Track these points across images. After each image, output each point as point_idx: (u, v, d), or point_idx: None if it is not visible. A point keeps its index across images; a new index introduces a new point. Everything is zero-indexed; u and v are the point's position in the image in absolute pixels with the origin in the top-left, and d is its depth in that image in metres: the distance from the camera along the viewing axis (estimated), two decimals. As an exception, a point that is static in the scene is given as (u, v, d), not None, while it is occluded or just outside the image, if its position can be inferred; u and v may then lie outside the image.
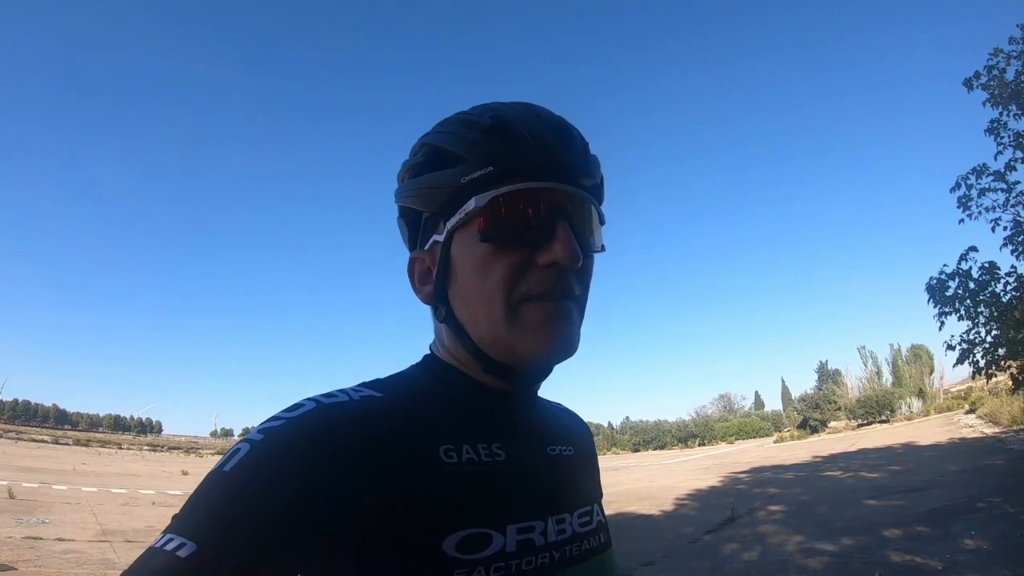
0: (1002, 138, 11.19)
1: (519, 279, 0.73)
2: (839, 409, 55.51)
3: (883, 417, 48.04)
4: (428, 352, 0.87)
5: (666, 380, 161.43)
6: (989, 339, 10.66)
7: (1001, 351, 10.50)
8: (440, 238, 0.79)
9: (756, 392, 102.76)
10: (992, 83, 11.08)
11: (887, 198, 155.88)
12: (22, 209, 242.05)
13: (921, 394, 49.69)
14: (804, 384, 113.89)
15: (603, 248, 0.83)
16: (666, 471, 29.58)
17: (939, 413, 41.16)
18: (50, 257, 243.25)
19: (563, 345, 0.75)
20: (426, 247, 0.82)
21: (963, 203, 11.26)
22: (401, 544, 0.65)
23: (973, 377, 11.31)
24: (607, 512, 0.98)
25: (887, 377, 62.09)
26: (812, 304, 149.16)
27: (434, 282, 0.80)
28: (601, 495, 0.98)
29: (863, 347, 67.31)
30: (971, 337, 10.67)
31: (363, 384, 0.78)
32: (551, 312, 0.73)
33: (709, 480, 21.52)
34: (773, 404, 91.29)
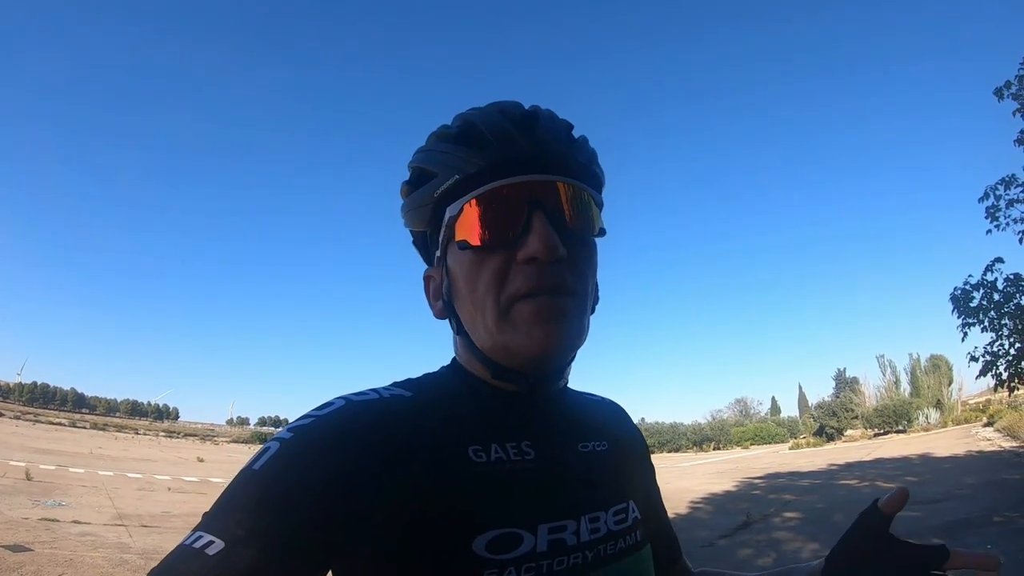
0: None
1: (504, 280, 0.72)
2: (856, 417, 54.74)
3: (900, 427, 47.31)
4: (451, 359, 0.87)
5: (684, 383, 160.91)
6: (1013, 352, 10.44)
7: None
8: (439, 253, 0.80)
9: (773, 397, 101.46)
10: (1021, 92, 10.83)
11: (911, 206, 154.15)
12: (43, 195, 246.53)
13: (939, 405, 48.89)
14: (822, 391, 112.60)
15: (603, 232, 0.80)
16: (681, 474, 29.23)
17: (956, 425, 40.47)
18: (72, 243, 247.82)
19: (560, 341, 0.72)
20: (434, 263, 0.83)
21: (991, 214, 11.09)
22: (430, 544, 0.65)
23: (995, 389, 11.13)
24: None
25: (905, 387, 61.21)
26: (832, 311, 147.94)
27: (442, 297, 0.81)
28: (646, 489, 0.97)
29: (882, 356, 66.30)
30: (995, 349, 10.50)
31: (394, 384, 0.78)
32: (539, 309, 0.71)
33: (724, 484, 21.29)
34: (790, 410, 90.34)
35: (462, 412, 0.76)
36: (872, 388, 65.78)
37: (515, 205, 0.72)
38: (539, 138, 0.75)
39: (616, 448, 0.89)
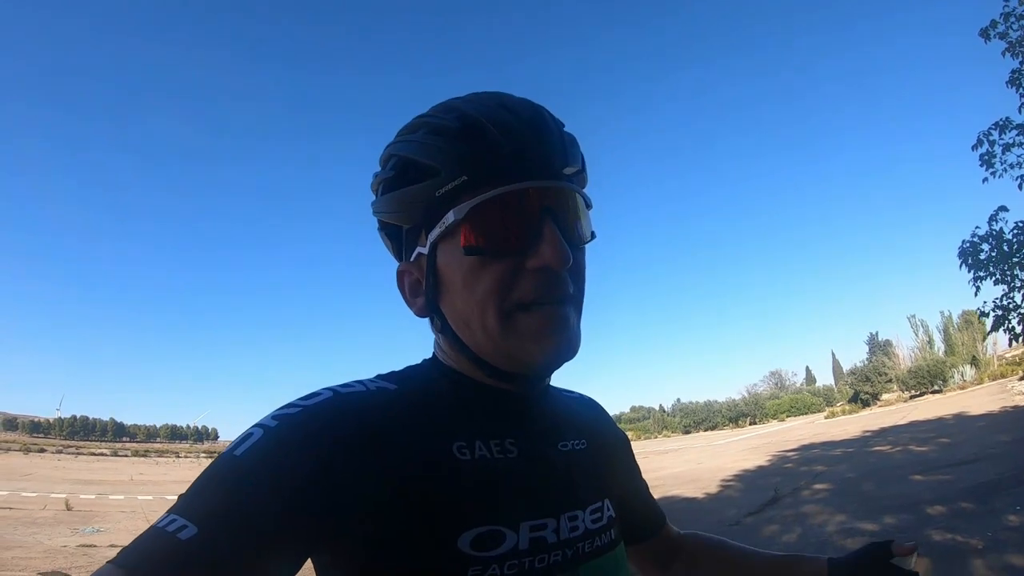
0: None
1: (509, 287, 0.70)
2: (890, 381, 53.92)
3: (936, 387, 46.48)
4: (432, 355, 0.85)
5: (716, 360, 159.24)
6: None
7: None
8: (424, 251, 0.76)
9: (807, 367, 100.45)
10: (1010, 31, 10.33)
11: (933, 161, 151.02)
12: (71, 230, 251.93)
13: (974, 361, 47.97)
14: (856, 357, 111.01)
15: (593, 236, 0.79)
16: (715, 452, 29.06)
17: (993, 380, 39.74)
18: (99, 280, 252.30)
19: (564, 350, 0.72)
20: (412, 259, 0.79)
21: (986, 161, 10.59)
22: (415, 539, 0.64)
23: (1010, 344, 10.80)
24: (655, 495, 1.00)
25: (939, 346, 60.26)
26: (861, 275, 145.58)
27: (424, 295, 0.78)
28: (624, 478, 0.99)
29: (913, 316, 65.35)
30: (1004, 303, 10.08)
31: (378, 376, 0.77)
32: (547, 318, 0.71)
33: (757, 460, 21.05)
34: (825, 379, 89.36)
35: (446, 407, 0.75)
36: (906, 350, 64.87)
37: (528, 212, 0.70)
38: (547, 141, 0.73)
39: (594, 446, 0.89)
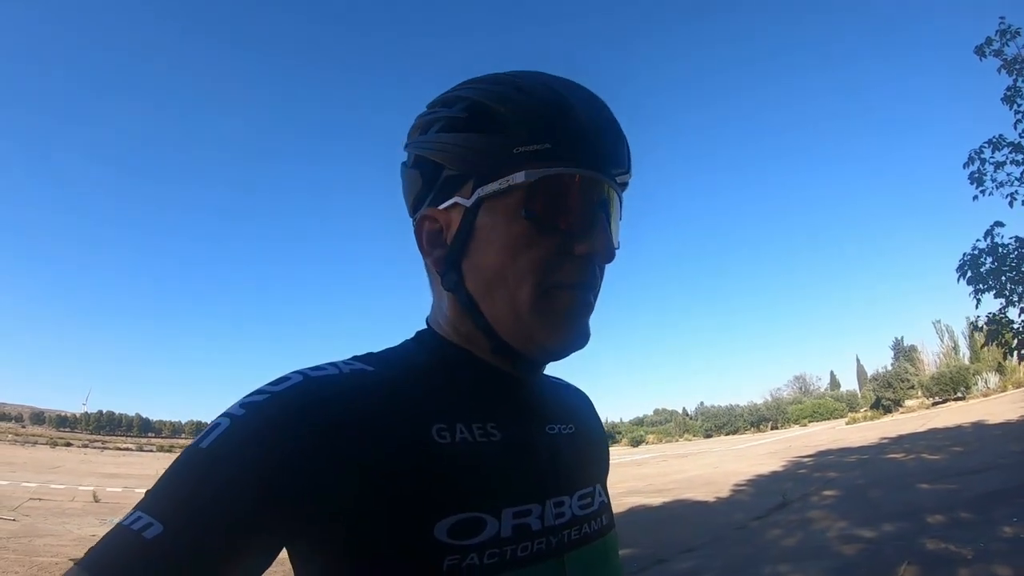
0: (1019, 106, 10.12)
1: (554, 266, 0.69)
2: (912, 387, 53.06)
3: (959, 394, 45.73)
4: (424, 326, 0.81)
5: (742, 363, 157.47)
6: (1021, 319, 9.84)
7: None
8: (466, 202, 0.71)
9: (832, 372, 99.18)
10: (1005, 49, 10.09)
11: (957, 167, 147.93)
12: (95, 227, 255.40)
13: (1000, 368, 47.13)
14: (881, 362, 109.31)
15: (619, 246, 0.77)
16: (734, 456, 28.88)
17: (1017, 388, 39.12)
18: (130, 275, 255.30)
19: (583, 337, 0.73)
20: (441, 207, 0.73)
21: (976, 179, 10.33)
22: (389, 528, 0.60)
23: (1005, 358, 10.59)
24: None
25: (964, 351, 59.23)
26: (889, 279, 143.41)
27: (448, 246, 0.73)
28: (606, 474, 0.94)
29: (938, 321, 64.39)
30: (998, 317, 9.90)
31: (355, 357, 0.72)
32: (579, 303, 0.71)
33: (773, 465, 21.07)
34: (849, 384, 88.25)
35: (427, 388, 0.70)
36: (931, 355, 63.78)
37: (591, 199, 0.70)
38: (621, 142, 0.74)
39: (583, 431, 0.86)
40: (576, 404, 0.92)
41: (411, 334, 0.81)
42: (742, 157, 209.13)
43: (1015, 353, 9.85)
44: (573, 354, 0.74)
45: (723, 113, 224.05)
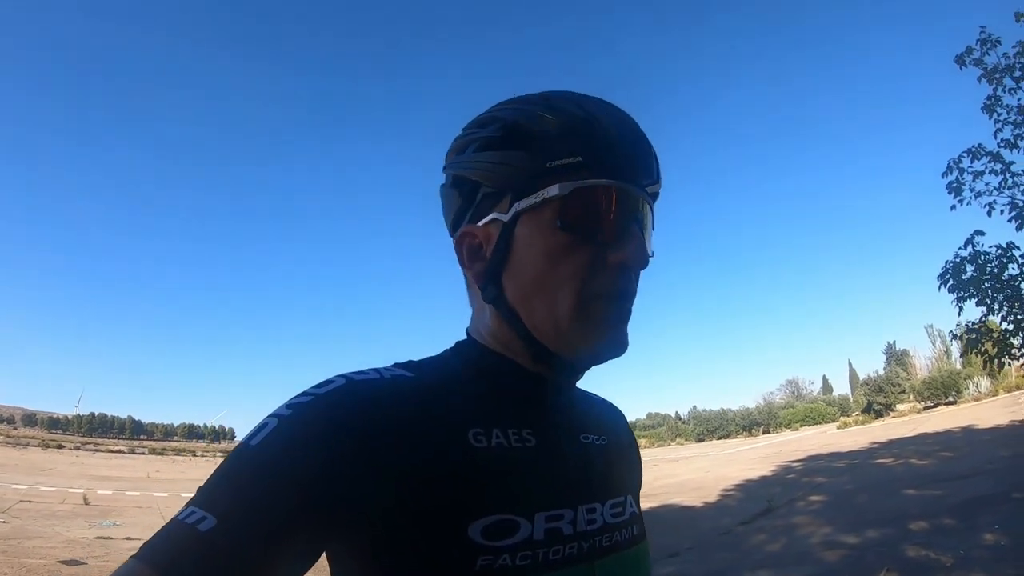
0: (999, 115, 10.13)
1: (592, 276, 0.70)
2: (903, 392, 53.27)
3: (950, 398, 45.91)
4: (465, 336, 0.84)
5: (735, 367, 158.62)
6: (1005, 326, 9.82)
7: (1016, 340, 9.67)
8: (504, 217, 0.74)
9: (824, 376, 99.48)
10: (984, 58, 10.11)
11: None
12: (87, 230, 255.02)
13: (992, 373, 47.29)
14: (874, 366, 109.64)
15: (653, 254, 0.79)
16: (725, 461, 28.99)
17: (1008, 392, 39.26)
18: (116, 278, 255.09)
19: (622, 346, 0.74)
20: (480, 223, 0.76)
21: (954, 189, 10.31)
22: (426, 527, 0.62)
23: (984, 365, 10.52)
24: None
25: (956, 356, 59.39)
26: (881, 283, 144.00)
27: (488, 260, 0.76)
28: (639, 487, 0.96)
29: (931, 326, 64.60)
30: (976, 326, 9.90)
31: (396, 364, 0.75)
32: (619, 312, 0.72)
33: (762, 470, 21.08)
34: (841, 388, 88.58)
35: (465, 394, 0.73)
36: (923, 360, 64.06)
37: (625, 210, 0.71)
38: (650, 155, 0.76)
39: (616, 444, 0.89)
40: (609, 417, 0.94)
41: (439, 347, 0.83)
42: (737, 161, 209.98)
43: (995, 361, 9.81)
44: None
45: (722, 113, 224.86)
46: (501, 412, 0.73)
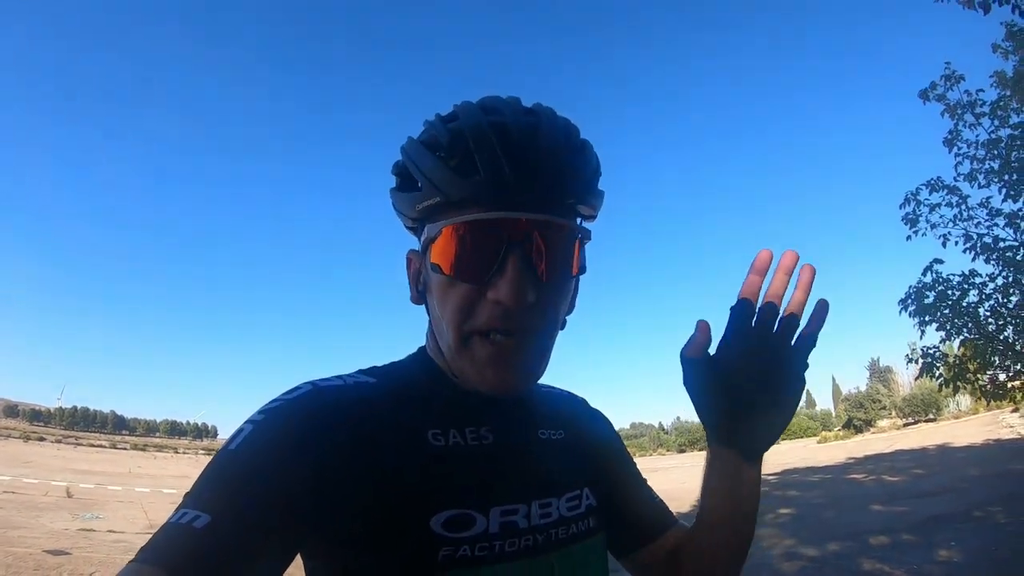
0: (959, 149, 10.30)
1: (469, 313, 0.71)
2: (884, 408, 53.55)
3: (930, 415, 46.25)
4: (424, 343, 0.88)
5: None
6: (961, 351, 10.03)
7: (972, 365, 9.86)
8: (418, 251, 0.80)
9: (807, 390, 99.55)
10: (947, 94, 10.26)
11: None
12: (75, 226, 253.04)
13: (948, 396, 47.64)
14: (857, 381, 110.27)
15: (584, 270, 0.78)
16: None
17: (987, 411, 39.52)
18: (103, 272, 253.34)
19: (514, 380, 0.73)
20: (419, 249, 0.80)
21: (910, 220, 10.39)
22: (391, 521, 0.68)
23: (940, 389, 10.62)
24: None
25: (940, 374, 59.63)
26: (866, 299, 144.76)
27: (419, 286, 0.81)
28: (613, 471, 0.96)
29: (914, 343, 64.76)
30: (932, 352, 10.08)
31: (359, 371, 0.82)
32: (499, 349, 0.71)
33: (737, 482, 20.91)
34: (824, 403, 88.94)
35: (424, 399, 0.78)
36: (907, 376, 64.26)
37: (492, 243, 0.69)
38: (531, 166, 0.69)
39: (574, 437, 0.90)
40: (569, 411, 0.97)
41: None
42: (728, 170, 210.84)
43: (950, 385, 9.92)
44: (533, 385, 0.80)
45: (719, 115, 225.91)
46: (457, 414, 0.78)
